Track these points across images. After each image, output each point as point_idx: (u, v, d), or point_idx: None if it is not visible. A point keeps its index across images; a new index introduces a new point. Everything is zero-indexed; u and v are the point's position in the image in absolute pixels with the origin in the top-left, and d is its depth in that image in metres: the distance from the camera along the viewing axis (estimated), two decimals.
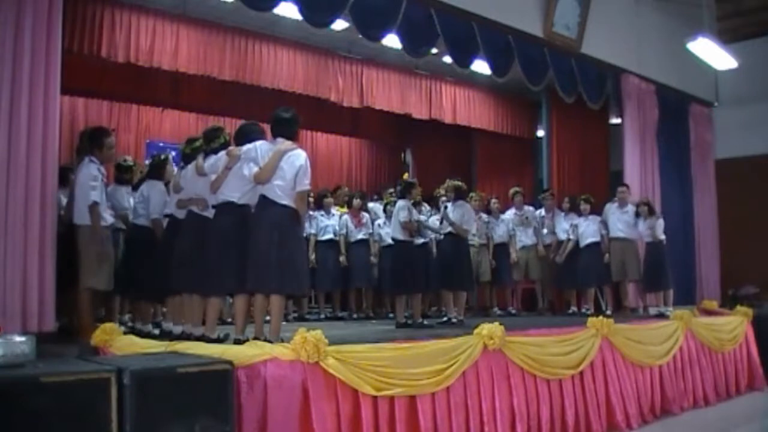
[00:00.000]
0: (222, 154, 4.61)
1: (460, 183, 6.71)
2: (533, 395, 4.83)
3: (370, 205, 8.46)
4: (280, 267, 4.16)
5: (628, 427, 5.57)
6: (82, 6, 6.93)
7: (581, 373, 5.30)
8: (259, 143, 4.43)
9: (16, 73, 4.48)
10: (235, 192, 4.46)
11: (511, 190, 8.98)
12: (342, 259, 7.73)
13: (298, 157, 4.30)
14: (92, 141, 5.22)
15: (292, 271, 4.21)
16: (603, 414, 5.42)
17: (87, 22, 6.99)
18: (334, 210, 8.00)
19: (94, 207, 4.93)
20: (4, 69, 4.43)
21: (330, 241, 7.75)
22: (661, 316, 7.37)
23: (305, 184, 4.30)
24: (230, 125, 6.99)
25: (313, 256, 7.52)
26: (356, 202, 7.97)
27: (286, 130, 4.44)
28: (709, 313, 8.23)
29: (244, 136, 4.58)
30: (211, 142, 4.79)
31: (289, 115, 4.48)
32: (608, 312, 7.87)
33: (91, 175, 4.98)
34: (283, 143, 4.37)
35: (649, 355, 6.09)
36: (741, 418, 6.50)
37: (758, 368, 7.72)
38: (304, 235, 7.27)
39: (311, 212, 7.66)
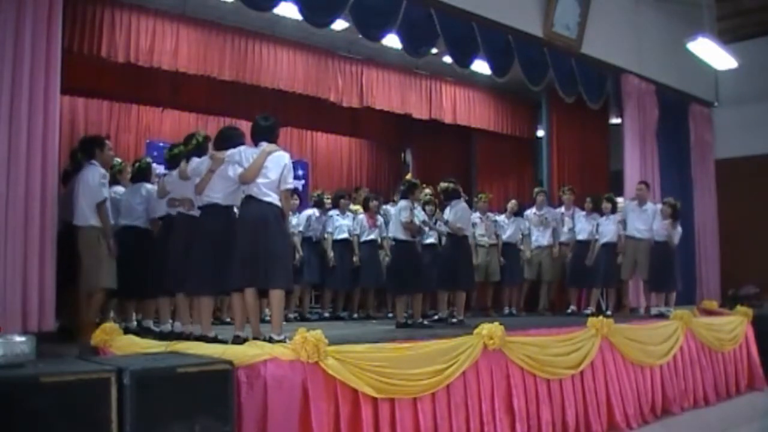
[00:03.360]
0: (205, 158, 4.71)
1: (448, 184, 6.72)
2: (533, 395, 4.84)
3: (384, 207, 8.48)
4: (266, 262, 4.20)
5: (628, 427, 5.58)
6: (82, 6, 6.93)
7: (581, 373, 5.30)
8: (242, 147, 4.50)
9: (16, 73, 4.48)
10: (218, 193, 4.54)
11: (535, 190, 9.03)
12: (356, 259, 7.79)
13: (283, 157, 4.39)
14: (90, 147, 5.37)
15: (277, 267, 4.24)
16: (603, 414, 5.42)
17: (87, 22, 7.01)
18: (349, 211, 8.05)
19: (103, 204, 5.09)
20: (4, 69, 4.43)
21: (344, 240, 7.81)
22: (662, 316, 7.37)
23: (290, 182, 4.39)
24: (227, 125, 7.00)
25: (331, 255, 7.64)
26: (373, 204, 8.05)
27: (266, 136, 4.50)
28: (709, 313, 8.23)
29: (225, 140, 4.66)
30: (188, 144, 4.96)
31: (269, 123, 4.55)
32: (608, 312, 7.87)
33: (100, 173, 5.16)
34: (267, 145, 4.44)
35: (649, 355, 6.09)
36: (741, 418, 6.51)
37: (758, 368, 7.72)
38: (325, 235, 7.68)
39: (329, 212, 7.82)
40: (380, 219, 8.05)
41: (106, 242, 5.14)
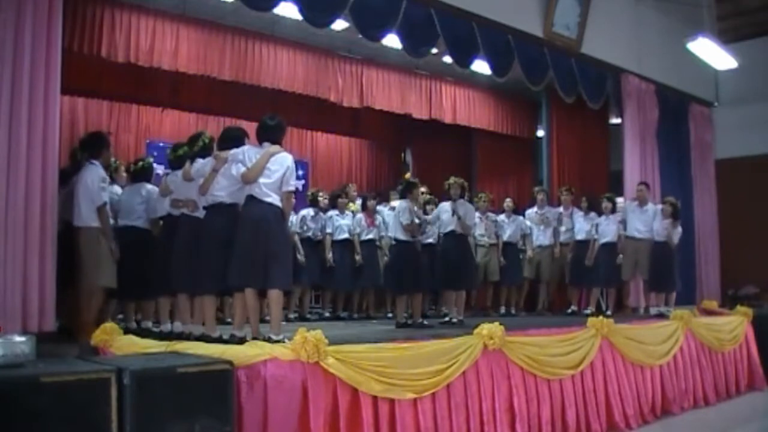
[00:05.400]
0: (209, 159, 4.72)
1: (462, 181, 6.74)
2: (533, 395, 4.84)
3: (378, 207, 8.47)
4: (266, 262, 4.22)
5: (627, 426, 5.58)
6: (82, 6, 6.93)
7: (581, 373, 5.30)
8: (246, 147, 4.53)
9: (16, 73, 4.48)
10: (222, 191, 4.55)
11: (535, 189, 9.05)
12: (358, 258, 7.79)
13: (286, 158, 4.42)
14: (96, 145, 5.36)
15: (278, 266, 4.26)
16: (603, 414, 5.42)
17: (87, 22, 7.01)
18: (348, 210, 8.05)
19: (103, 208, 5.10)
20: (4, 69, 4.43)
21: (345, 240, 7.79)
22: (661, 316, 7.36)
23: (291, 184, 4.41)
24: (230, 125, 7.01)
25: (330, 255, 7.62)
26: (371, 203, 8.06)
27: (272, 136, 4.53)
28: (709, 313, 8.23)
29: (228, 140, 4.69)
30: (194, 145, 4.96)
31: (274, 122, 4.57)
32: (608, 312, 7.86)
33: (100, 176, 5.15)
34: (271, 147, 4.45)
35: (649, 355, 6.09)
36: (741, 418, 6.50)
37: (758, 368, 7.72)
38: (324, 234, 7.66)
39: (327, 212, 7.79)
40: (379, 218, 8.04)
41: (108, 244, 5.15)
